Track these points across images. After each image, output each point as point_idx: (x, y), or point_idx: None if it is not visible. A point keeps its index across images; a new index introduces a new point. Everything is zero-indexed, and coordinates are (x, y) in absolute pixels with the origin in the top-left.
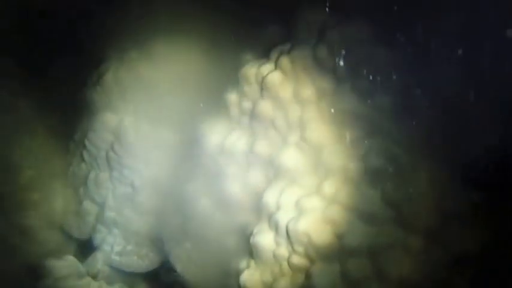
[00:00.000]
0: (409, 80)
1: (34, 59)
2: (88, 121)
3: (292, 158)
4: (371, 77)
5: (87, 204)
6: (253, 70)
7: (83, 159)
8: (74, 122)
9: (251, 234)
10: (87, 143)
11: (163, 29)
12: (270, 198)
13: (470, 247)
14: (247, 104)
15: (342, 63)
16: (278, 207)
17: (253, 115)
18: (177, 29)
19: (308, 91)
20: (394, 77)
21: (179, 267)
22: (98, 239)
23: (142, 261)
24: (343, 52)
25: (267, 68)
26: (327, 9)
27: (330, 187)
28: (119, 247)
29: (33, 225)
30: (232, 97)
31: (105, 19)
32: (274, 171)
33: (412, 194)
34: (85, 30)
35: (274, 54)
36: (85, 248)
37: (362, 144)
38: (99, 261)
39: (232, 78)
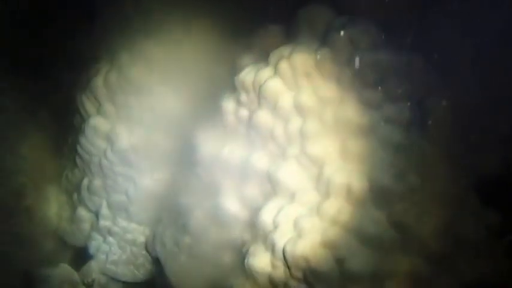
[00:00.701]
0: (421, 88)
1: (26, 60)
2: (80, 125)
3: (291, 173)
4: (379, 85)
5: (82, 211)
6: (251, 76)
7: (76, 165)
8: (68, 124)
9: (246, 253)
10: (79, 148)
11: (156, 29)
12: (267, 216)
13: (487, 276)
14: (244, 113)
15: (347, 69)
16: (275, 227)
17: (250, 125)
18: (170, 29)
19: (310, 100)
20: (405, 85)
21: (174, 281)
22: (93, 247)
23: (138, 270)
24: (349, 57)
25: (265, 73)
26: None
27: (331, 206)
28: (115, 256)
29: (26, 232)
30: (228, 105)
31: (95, 18)
32: (272, 186)
33: (422, 216)
34: (76, 31)
35: (273, 58)
36: (80, 256)
37: (368, 160)
38: (94, 270)
39: (229, 83)
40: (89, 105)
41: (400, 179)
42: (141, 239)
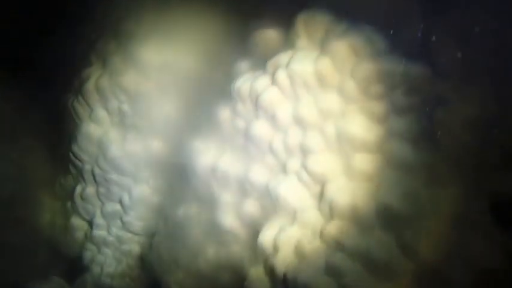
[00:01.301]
0: (430, 99)
1: (21, 63)
2: (73, 131)
3: (291, 190)
4: (384, 97)
5: (76, 220)
6: (247, 85)
7: (69, 172)
8: (62, 129)
9: (246, 276)
10: (71, 155)
11: (149, 33)
12: (267, 238)
13: None
14: (240, 123)
15: (349, 80)
16: (276, 250)
17: (247, 136)
18: (165, 33)
19: (310, 112)
20: (413, 96)
21: None
22: (87, 257)
23: (134, 283)
24: (351, 67)
25: (262, 83)
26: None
27: (334, 229)
28: (110, 268)
29: (17, 243)
30: (224, 114)
31: (86, 20)
32: (272, 203)
33: (433, 240)
34: (67, 32)
35: (270, 66)
36: (74, 268)
37: (373, 178)
38: (88, 283)
39: (226, 89)
40: (80, 111)
41: (409, 200)
42: (137, 249)
